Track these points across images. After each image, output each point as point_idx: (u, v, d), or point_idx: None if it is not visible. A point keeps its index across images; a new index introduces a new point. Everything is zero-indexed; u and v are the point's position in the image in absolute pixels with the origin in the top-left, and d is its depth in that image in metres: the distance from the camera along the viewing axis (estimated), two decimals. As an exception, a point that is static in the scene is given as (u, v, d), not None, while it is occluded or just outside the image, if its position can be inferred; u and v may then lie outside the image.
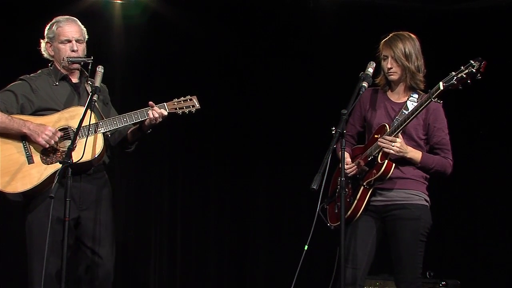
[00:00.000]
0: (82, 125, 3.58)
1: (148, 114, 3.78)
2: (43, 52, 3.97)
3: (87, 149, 3.64)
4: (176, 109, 3.85)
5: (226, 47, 6.12)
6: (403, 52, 3.72)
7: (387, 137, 3.62)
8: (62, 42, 3.86)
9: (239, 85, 6.19)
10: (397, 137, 3.62)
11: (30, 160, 3.71)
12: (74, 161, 3.46)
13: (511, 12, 5.78)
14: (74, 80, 3.94)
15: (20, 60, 5.70)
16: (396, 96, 3.85)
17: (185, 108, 3.86)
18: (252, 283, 6.13)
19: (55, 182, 3.33)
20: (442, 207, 6.12)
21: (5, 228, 5.38)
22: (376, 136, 3.74)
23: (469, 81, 3.40)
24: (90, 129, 3.66)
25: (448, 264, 5.86)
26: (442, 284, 5.10)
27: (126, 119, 3.76)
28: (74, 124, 3.67)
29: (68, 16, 3.96)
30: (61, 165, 3.42)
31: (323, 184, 3.64)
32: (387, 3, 6.12)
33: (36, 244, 3.66)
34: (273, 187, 6.23)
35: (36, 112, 3.80)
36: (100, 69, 3.77)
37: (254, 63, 6.24)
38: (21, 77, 3.90)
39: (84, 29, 3.95)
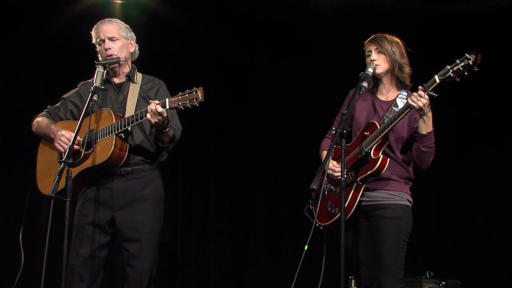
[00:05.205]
0: (105, 126, 3.69)
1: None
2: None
3: (100, 151, 3.69)
4: (178, 104, 3.61)
5: (226, 47, 6.12)
6: (387, 47, 3.74)
7: (419, 92, 3.49)
8: (99, 44, 3.93)
9: (239, 85, 6.19)
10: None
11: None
12: (97, 163, 3.63)
13: (511, 12, 5.78)
14: (118, 80, 3.95)
15: (20, 59, 5.72)
16: (385, 95, 3.84)
17: (188, 102, 3.57)
18: (252, 283, 6.13)
19: (55, 182, 3.37)
20: (442, 207, 6.13)
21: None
22: (365, 133, 3.72)
23: (466, 73, 3.38)
24: (106, 131, 3.72)
25: (448, 264, 5.86)
26: (442, 284, 5.10)
27: (133, 119, 3.73)
28: (101, 127, 3.74)
29: (106, 18, 4.02)
30: (83, 167, 3.54)
31: (323, 184, 3.65)
32: (387, 3, 6.10)
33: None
34: (273, 187, 6.23)
35: None
36: (100, 69, 3.77)
37: (254, 63, 6.24)
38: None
39: (123, 26, 3.98)
